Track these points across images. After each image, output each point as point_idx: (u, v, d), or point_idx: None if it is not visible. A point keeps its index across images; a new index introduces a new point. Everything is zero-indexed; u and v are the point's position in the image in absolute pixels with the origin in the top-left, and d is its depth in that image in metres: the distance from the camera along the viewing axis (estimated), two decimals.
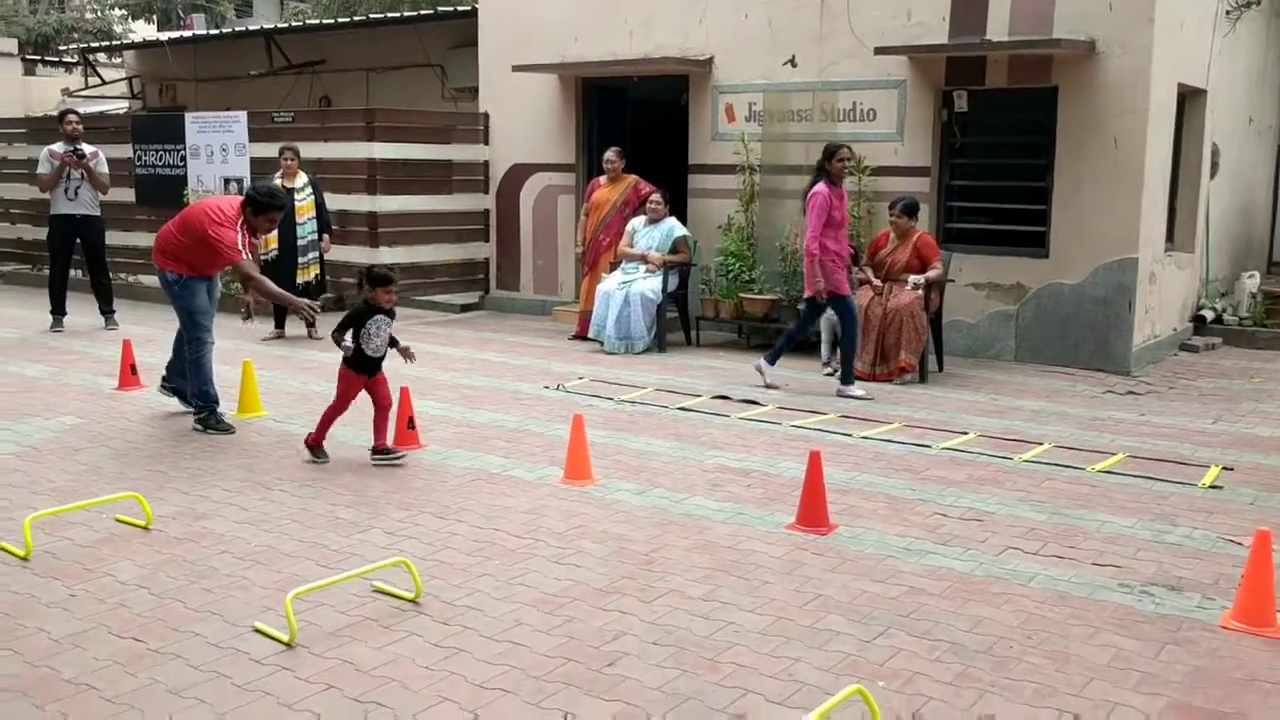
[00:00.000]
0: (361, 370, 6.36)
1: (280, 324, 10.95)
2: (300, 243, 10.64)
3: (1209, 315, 11.22)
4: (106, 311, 11.28)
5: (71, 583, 4.53)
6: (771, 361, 8.64)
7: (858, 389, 8.32)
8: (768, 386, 8.48)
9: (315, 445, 6.45)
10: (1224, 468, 6.41)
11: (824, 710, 3.26)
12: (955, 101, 9.97)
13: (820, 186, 8.25)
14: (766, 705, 3.55)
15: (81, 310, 11.47)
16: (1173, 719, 3.49)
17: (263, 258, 10.66)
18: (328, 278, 11.11)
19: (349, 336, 6.29)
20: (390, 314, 6.42)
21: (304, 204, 10.67)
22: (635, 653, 3.93)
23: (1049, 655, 3.94)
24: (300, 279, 10.64)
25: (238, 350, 10.01)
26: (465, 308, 13.12)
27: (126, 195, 13.63)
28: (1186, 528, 5.35)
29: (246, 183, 12.58)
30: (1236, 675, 3.79)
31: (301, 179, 10.68)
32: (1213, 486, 6.04)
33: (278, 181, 10.61)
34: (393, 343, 6.47)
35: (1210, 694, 3.66)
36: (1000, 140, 10.17)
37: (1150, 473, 6.29)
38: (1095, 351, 9.47)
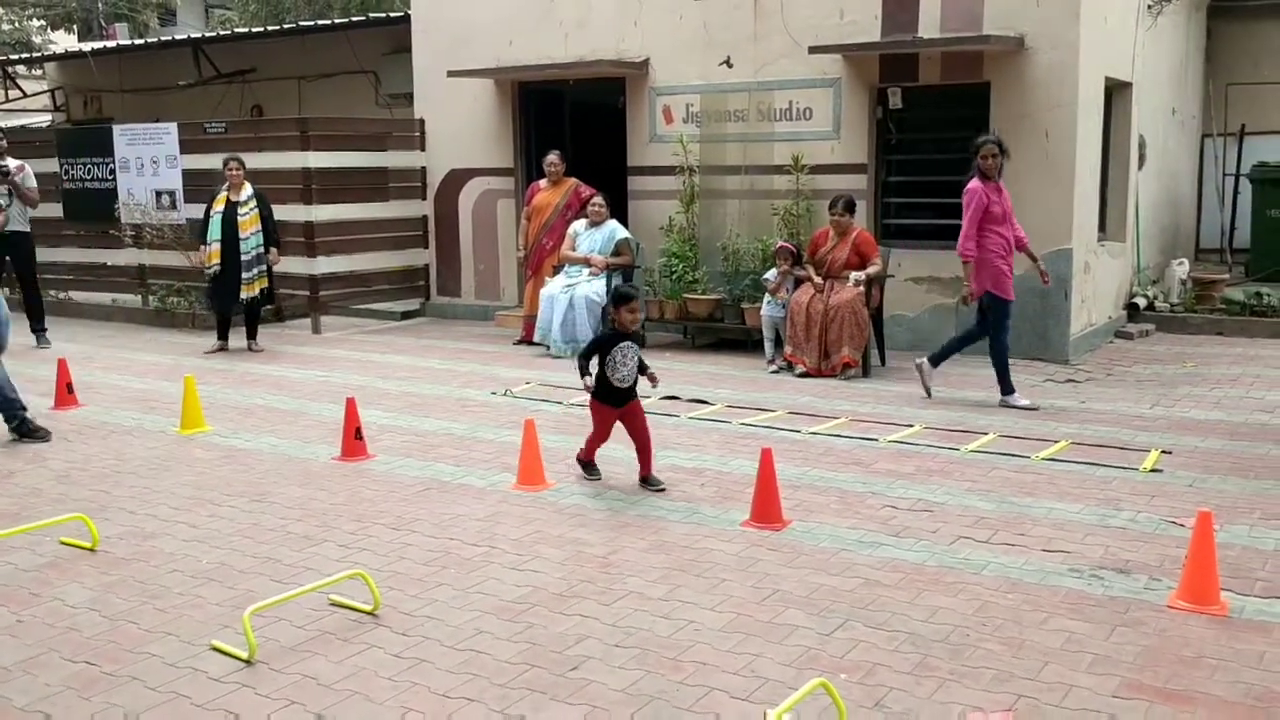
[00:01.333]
0: (608, 401, 5.90)
1: (223, 335, 10.81)
2: (244, 257, 10.37)
3: (1142, 303, 11.48)
4: (38, 329, 11.04)
5: (18, 608, 4.43)
6: (936, 363, 8.19)
7: (1022, 399, 7.86)
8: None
9: (587, 461, 6.14)
10: (1163, 451, 6.57)
11: (789, 705, 3.29)
12: (890, 99, 10.10)
13: (974, 183, 7.87)
14: (731, 702, 3.58)
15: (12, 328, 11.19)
16: (1126, 698, 3.57)
17: (206, 272, 10.57)
18: (276, 290, 10.99)
19: (593, 367, 5.86)
20: (638, 339, 6.03)
21: (248, 218, 10.42)
22: (598, 656, 3.94)
23: (1005, 641, 4.01)
24: (245, 294, 10.47)
25: (179, 365, 9.85)
26: (406, 315, 13.02)
27: (54, 211, 13.32)
28: (1130, 511, 5.47)
29: (179, 195, 12.39)
30: (1184, 653, 3.89)
31: (247, 191, 10.48)
32: (1153, 470, 6.19)
33: (223, 193, 10.49)
34: (642, 368, 5.96)
35: (1160, 672, 3.75)
36: (935, 136, 10.32)
37: (1093, 459, 6.43)
38: (1034, 341, 9.64)
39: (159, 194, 12.58)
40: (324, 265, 11.91)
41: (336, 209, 12.06)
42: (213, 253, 10.42)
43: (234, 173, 10.42)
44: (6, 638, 4.16)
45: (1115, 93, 10.77)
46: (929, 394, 8.15)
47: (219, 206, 10.46)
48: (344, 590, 4.47)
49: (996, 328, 7.91)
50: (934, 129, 10.32)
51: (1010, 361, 7.95)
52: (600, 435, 6.04)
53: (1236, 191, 14.27)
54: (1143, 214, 11.78)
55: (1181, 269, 11.95)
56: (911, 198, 10.43)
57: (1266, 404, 7.88)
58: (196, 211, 12.08)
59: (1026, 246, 8.12)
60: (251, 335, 10.82)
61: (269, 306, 11.18)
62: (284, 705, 3.60)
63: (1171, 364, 9.55)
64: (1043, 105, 9.41)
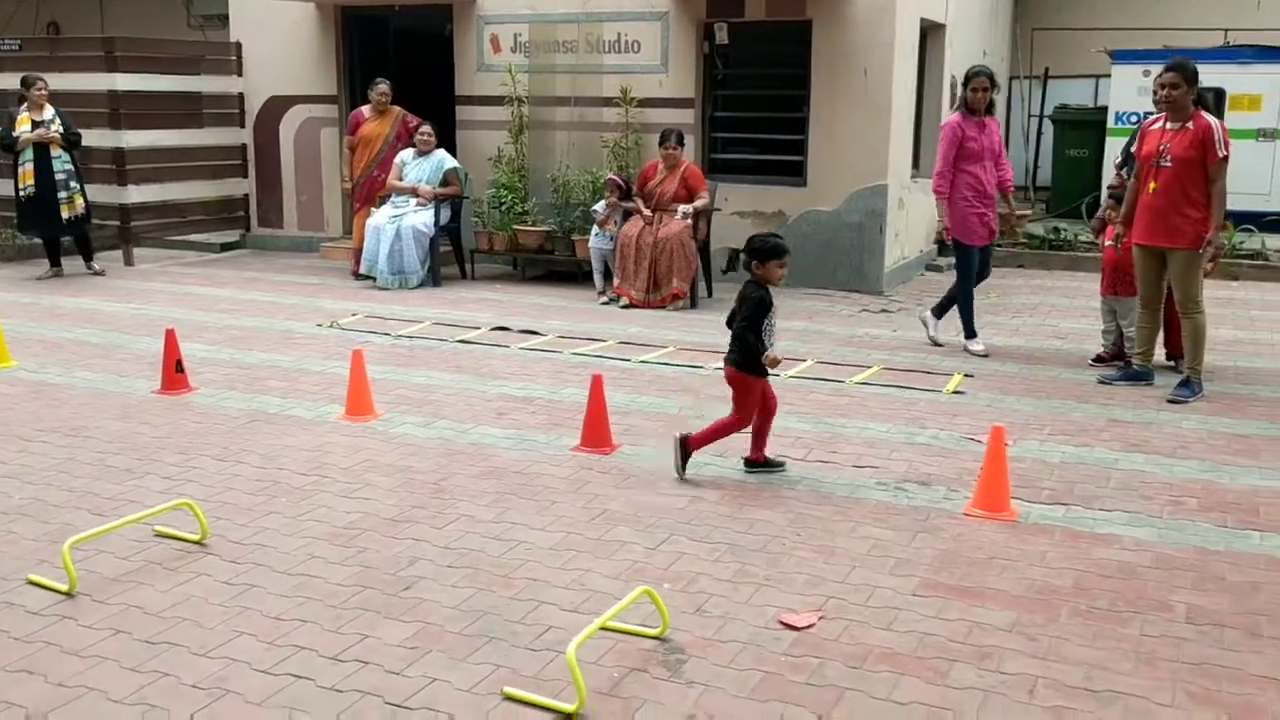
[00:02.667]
0: (760, 372, 5.04)
1: (55, 261, 10.60)
2: (58, 176, 10.15)
3: None
4: None
5: None
6: (969, 334, 7.76)
7: (979, 345, 7.65)
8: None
9: (763, 461, 5.17)
10: (965, 375, 7.01)
11: (614, 612, 3.46)
12: (716, 34, 10.26)
13: (953, 117, 7.59)
14: (561, 614, 3.72)
15: None
16: (925, 596, 3.88)
17: (20, 194, 10.16)
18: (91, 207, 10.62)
19: (769, 340, 4.97)
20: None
21: (54, 136, 10.15)
22: (430, 576, 4.02)
23: (817, 549, 4.28)
24: (66, 213, 10.23)
25: None
26: (225, 246, 12.60)
27: None
28: (934, 430, 5.85)
29: None
30: (977, 555, 4.24)
31: (49, 111, 10.18)
32: (956, 392, 6.61)
33: (24, 114, 10.06)
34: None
35: (955, 572, 4.08)
36: (760, 72, 10.55)
37: (901, 383, 6.81)
38: (851, 274, 10.07)
39: None
40: (135, 194, 11.38)
41: (148, 135, 11.50)
42: (25, 173, 10.11)
43: (40, 92, 10.10)
44: None
45: (930, 34, 11.21)
46: (936, 344, 7.83)
47: (23, 127, 10.07)
48: (170, 521, 4.41)
49: (960, 272, 7.76)
50: (759, 64, 10.54)
51: (828, 293, 8.27)
52: (743, 421, 5.08)
53: (1040, 132, 15.10)
54: None
55: None
56: (738, 133, 10.65)
57: (1060, 331, 8.47)
58: None
59: (1006, 188, 7.73)
60: (88, 258, 10.68)
61: (90, 224, 10.73)
62: (110, 634, 3.56)
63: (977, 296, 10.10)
64: (862, 44, 9.73)
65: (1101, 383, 6.82)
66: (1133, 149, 6.97)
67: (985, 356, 7.55)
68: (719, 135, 10.68)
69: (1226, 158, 6.28)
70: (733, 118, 10.63)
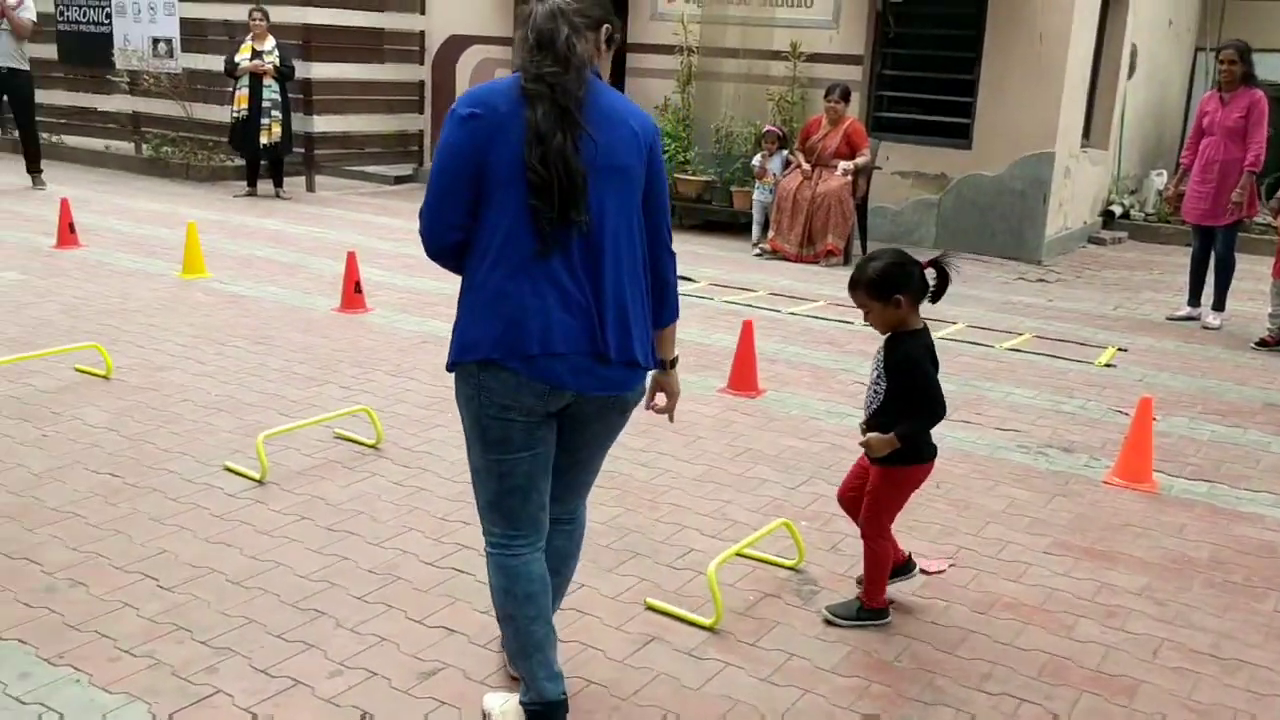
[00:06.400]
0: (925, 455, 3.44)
1: (252, 182, 11.41)
2: (264, 104, 10.86)
3: (1117, 210, 11.77)
4: (34, 170, 11.14)
5: (41, 425, 4.75)
6: (1218, 306, 7.82)
7: (1214, 319, 7.72)
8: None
9: (871, 602, 3.44)
10: (1119, 349, 6.94)
11: (753, 539, 3.68)
12: None
13: (1207, 93, 7.70)
14: (701, 538, 3.96)
15: (5, 169, 11.30)
16: (1055, 554, 3.97)
17: (234, 115, 10.97)
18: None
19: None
20: None
21: (269, 67, 10.90)
22: None
23: (952, 503, 4.40)
24: (264, 139, 10.93)
25: (175, 213, 10.03)
26: (399, 179, 13.16)
27: (48, 52, 13.26)
28: (1081, 400, 5.85)
29: (176, 44, 12.37)
30: (1113, 521, 4.30)
31: (270, 42, 10.90)
32: (1108, 365, 6.56)
33: (247, 43, 10.79)
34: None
35: (1088, 535, 4.15)
36: (932, 32, 10.43)
37: (1053, 351, 6.79)
38: (1010, 241, 9.95)
39: (156, 41, 12.55)
40: (320, 124, 12.00)
41: (334, 68, 12.09)
42: (240, 98, 10.89)
43: (258, 23, 10.83)
44: (34, 449, 4.48)
45: (1112, 0, 10.88)
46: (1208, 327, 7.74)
47: (244, 54, 10.82)
48: (348, 425, 4.81)
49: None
50: (930, 24, 10.42)
51: (985, 259, 8.22)
52: (890, 522, 3.46)
53: None
54: (1128, 123, 11.99)
55: (1160, 179, 12.21)
56: (905, 92, 10.58)
57: (1226, 312, 8.23)
58: (193, 61, 12.13)
59: (1247, 168, 7.36)
60: (278, 183, 11.43)
61: (289, 154, 11.46)
62: (295, 519, 3.95)
63: (1139, 270, 9.89)
64: (1039, 8, 9.53)
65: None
66: None
67: (1218, 329, 7.62)
68: (884, 94, 10.62)
69: None
70: (900, 76, 10.55)
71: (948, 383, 5.95)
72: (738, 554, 3.66)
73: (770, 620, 3.42)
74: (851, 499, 3.54)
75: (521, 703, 2.72)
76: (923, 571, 3.73)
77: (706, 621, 3.35)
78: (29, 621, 3.19)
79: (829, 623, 3.41)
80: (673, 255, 2.72)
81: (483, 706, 2.82)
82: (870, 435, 3.32)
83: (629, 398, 2.66)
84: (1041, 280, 9.15)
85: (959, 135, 10.17)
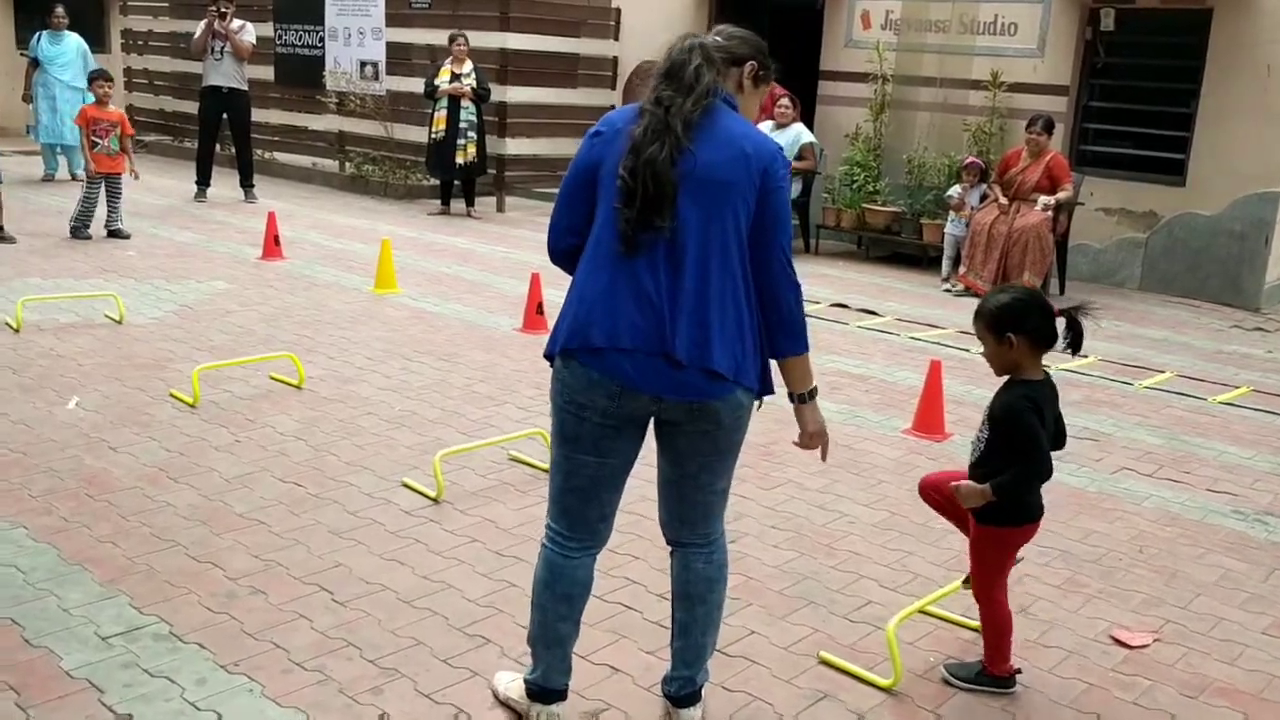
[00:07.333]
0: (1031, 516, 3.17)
1: (445, 200, 11.72)
2: (461, 125, 11.17)
3: None
4: (247, 185, 11.74)
5: (236, 430, 4.92)
6: None
7: None
8: None
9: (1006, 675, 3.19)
10: None
11: (936, 596, 3.47)
12: (1102, 19, 9.70)
13: None
14: (880, 590, 3.76)
15: (220, 183, 11.95)
16: (1276, 636, 3.60)
17: (432, 136, 11.34)
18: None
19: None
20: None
21: (468, 89, 11.21)
22: (754, 534, 4.16)
23: (1157, 570, 4.06)
24: (460, 159, 11.24)
25: (373, 229, 10.39)
26: None
27: (265, 73, 14.02)
28: None
29: (382, 67, 12.88)
30: None
31: (468, 65, 11.21)
32: None
33: (446, 66, 11.12)
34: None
35: None
36: (1146, 62, 9.88)
37: (1273, 408, 6.26)
38: (1225, 286, 9.29)
39: (363, 64, 13.10)
40: (512, 146, 12.26)
41: (529, 91, 12.35)
42: (438, 119, 11.21)
43: (460, 48, 11.12)
44: (226, 454, 4.64)
45: None
46: None
47: (444, 77, 11.13)
48: (522, 448, 4.80)
49: None
50: (1145, 55, 9.88)
51: (1196, 304, 7.70)
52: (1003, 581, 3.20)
53: None
54: None
55: None
56: (1114, 124, 10.04)
57: None
58: (396, 84, 12.60)
59: None
60: (470, 202, 11.74)
61: (482, 175, 11.77)
62: (467, 542, 3.95)
63: None
64: (1267, 38, 8.89)
65: None
66: None
67: None
68: (1091, 126, 10.11)
69: None
70: (1109, 109, 10.02)
71: (1153, 435, 5.58)
72: (920, 610, 3.45)
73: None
74: (930, 490, 3.43)
75: (525, 679, 2.88)
76: (1124, 645, 3.43)
77: (884, 682, 3.15)
78: (210, 626, 3.26)
79: (946, 682, 3.20)
80: (795, 286, 2.68)
81: (491, 684, 3.01)
82: (962, 483, 3.10)
83: (716, 408, 2.63)
84: (1260, 329, 8.50)
85: (1172, 171, 9.57)
